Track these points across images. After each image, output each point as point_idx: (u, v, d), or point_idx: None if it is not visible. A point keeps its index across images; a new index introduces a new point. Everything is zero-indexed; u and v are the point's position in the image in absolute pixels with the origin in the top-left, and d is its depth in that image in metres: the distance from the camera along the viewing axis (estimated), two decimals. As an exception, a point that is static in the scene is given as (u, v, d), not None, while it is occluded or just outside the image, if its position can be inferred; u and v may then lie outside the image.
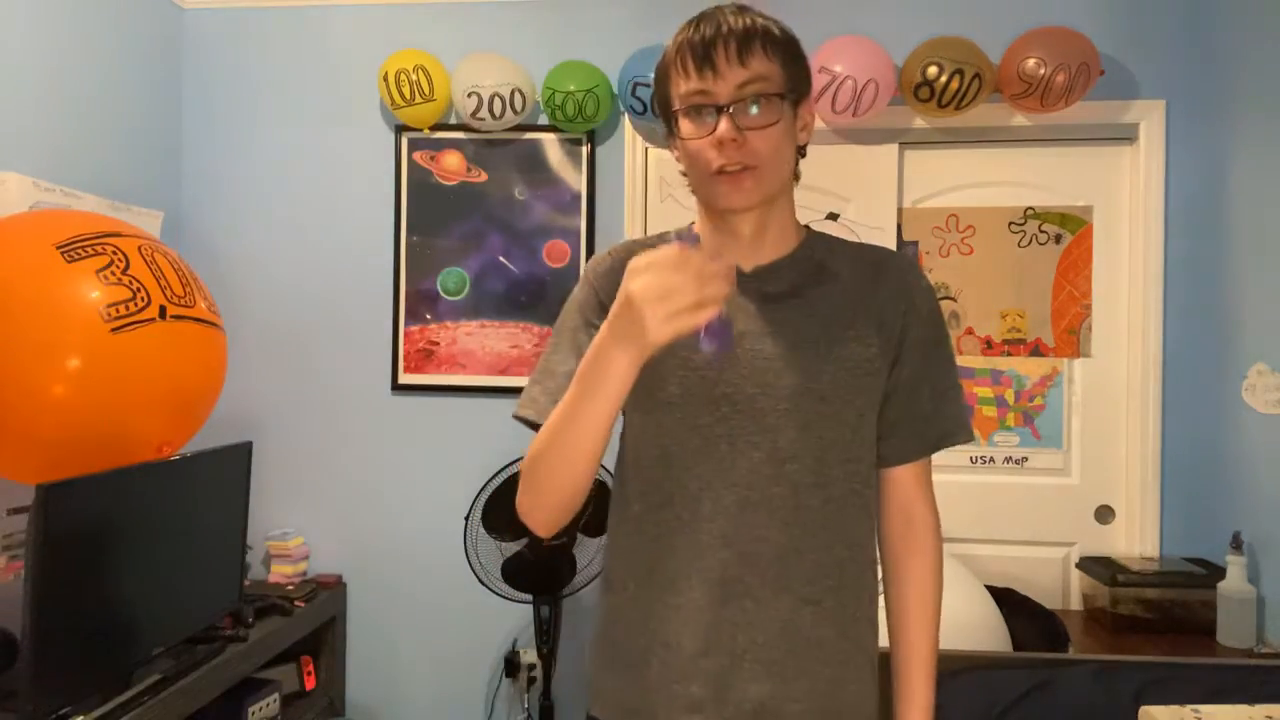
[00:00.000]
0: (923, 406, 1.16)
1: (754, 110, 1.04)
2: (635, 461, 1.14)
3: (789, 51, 1.08)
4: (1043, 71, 2.40)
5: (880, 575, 1.20)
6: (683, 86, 1.06)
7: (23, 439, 1.75)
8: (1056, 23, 2.52)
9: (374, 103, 2.78)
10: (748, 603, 1.07)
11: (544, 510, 1.05)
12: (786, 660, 1.07)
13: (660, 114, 1.14)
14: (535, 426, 1.09)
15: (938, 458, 1.27)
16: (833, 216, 2.67)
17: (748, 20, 1.06)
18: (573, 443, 0.99)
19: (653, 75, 1.17)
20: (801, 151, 1.14)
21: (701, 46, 1.04)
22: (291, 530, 2.76)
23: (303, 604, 2.49)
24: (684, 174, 1.12)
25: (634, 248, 1.16)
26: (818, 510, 1.09)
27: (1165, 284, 2.53)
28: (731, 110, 1.03)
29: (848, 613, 1.11)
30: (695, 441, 1.09)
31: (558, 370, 1.12)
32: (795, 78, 1.09)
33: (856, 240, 1.23)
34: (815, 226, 1.29)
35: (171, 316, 1.90)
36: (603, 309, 1.11)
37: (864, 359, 1.11)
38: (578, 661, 2.66)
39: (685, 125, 1.07)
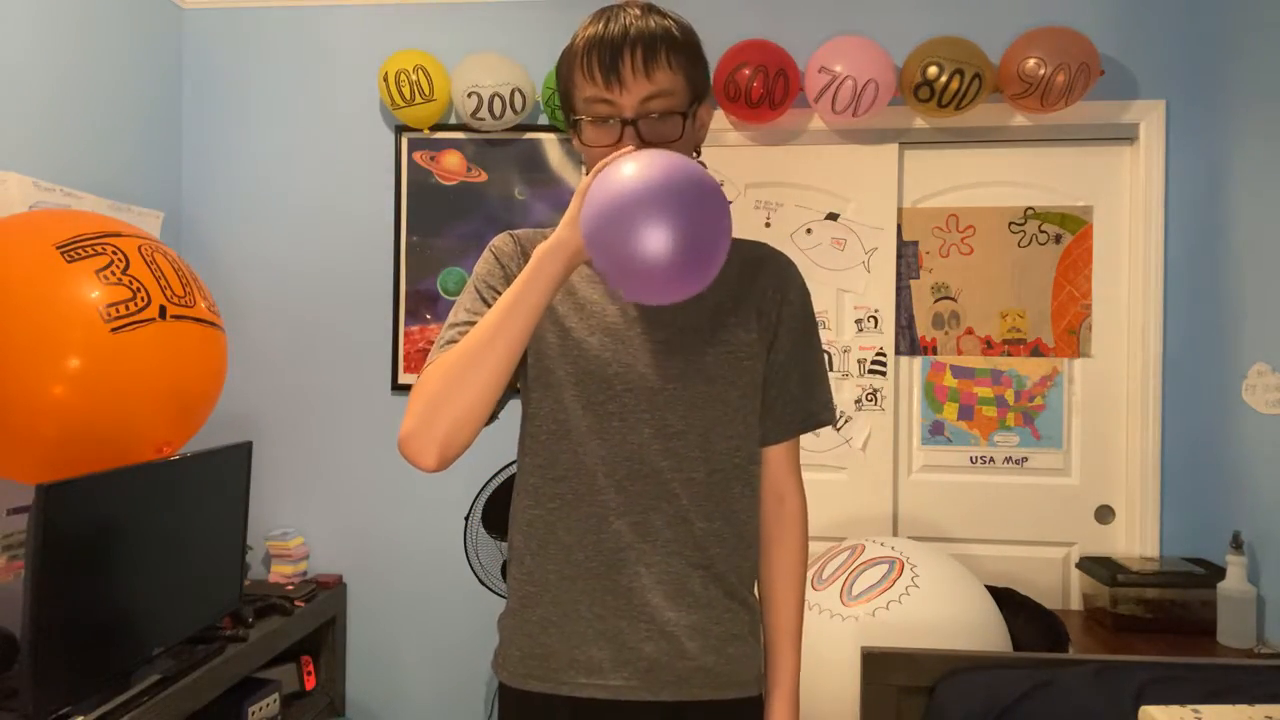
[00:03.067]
0: (792, 391, 1.23)
1: (658, 124, 1.07)
2: (535, 436, 1.19)
3: (690, 56, 1.10)
4: (1043, 71, 2.40)
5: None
6: (587, 91, 1.08)
7: (23, 439, 1.75)
8: (1056, 23, 2.52)
9: (374, 103, 2.78)
10: (640, 569, 1.13)
11: (443, 432, 1.02)
12: (679, 621, 1.13)
13: (562, 104, 1.16)
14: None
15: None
16: (833, 216, 2.67)
17: (652, 23, 1.07)
18: (504, 339, 1.01)
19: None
20: (696, 149, 1.18)
21: (609, 53, 1.05)
22: (291, 530, 2.76)
23: (303, 604, 2.49)
24: (586, 171, 1.15)
25: (534, 236, 1.22)
26: (702, 483, 1.15)
27: (1165, 284, 2.53)
28: (637, 124, 1.06)
29: (734, 576, 1.18)
30: (590, 418, 1.14)
31: (474, 309, 1.14)
32: (696, 83, 1.12)
33: (743, 238, 1.28)
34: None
35: (171, 316, 1.90)
36: (508, 281, 1.16)
37: (745, 344, 1.18)
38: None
39: (589, 131, 1.10)
